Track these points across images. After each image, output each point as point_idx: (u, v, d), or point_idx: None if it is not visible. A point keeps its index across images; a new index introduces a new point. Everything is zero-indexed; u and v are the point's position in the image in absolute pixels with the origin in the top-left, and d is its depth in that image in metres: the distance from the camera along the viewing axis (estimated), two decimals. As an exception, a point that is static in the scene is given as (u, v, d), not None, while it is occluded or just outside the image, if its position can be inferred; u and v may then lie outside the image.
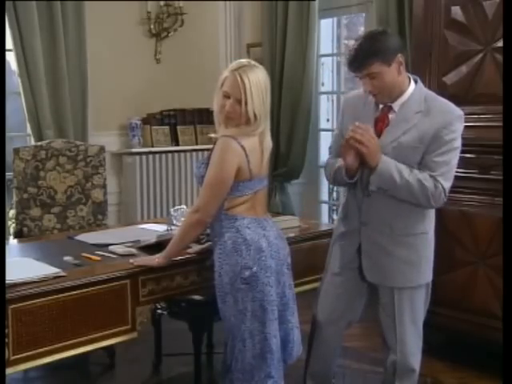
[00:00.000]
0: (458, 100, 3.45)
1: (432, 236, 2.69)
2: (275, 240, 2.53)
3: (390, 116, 2.54)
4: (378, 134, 2.53)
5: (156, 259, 2.56)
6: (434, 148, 2.46)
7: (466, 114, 3.42)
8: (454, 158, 2.52)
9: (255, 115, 2.41)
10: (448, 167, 2.49)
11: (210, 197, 2.44)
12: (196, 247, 2.72)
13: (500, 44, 3.24)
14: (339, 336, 2.85)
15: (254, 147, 2.45)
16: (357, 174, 2.54)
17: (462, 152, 3.41)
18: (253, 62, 2.50)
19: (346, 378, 3.40)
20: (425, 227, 2.62)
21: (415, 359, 2.71)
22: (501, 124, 2.86)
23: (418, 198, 2.48)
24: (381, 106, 2.57)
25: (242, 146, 2.41)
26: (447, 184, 2.49)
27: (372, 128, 2.51)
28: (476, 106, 3.40)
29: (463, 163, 3.41)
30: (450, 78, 3.51)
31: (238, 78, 2.40)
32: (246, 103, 2.40)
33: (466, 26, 3.42)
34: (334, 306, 2.75)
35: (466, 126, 3.41)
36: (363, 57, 2.41)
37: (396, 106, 2.52)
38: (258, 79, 2.43)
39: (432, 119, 2.47)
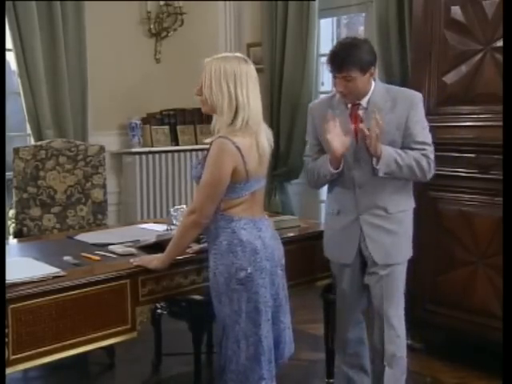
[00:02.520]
0: (457, 99, 3.48)
1: (411, 213, 2.91)
2: (270, 241, 2.52)
3: (360, 112, 2.77)
4: (355, 130, 2.75)
5: (155, 261, 2.55)
6: (411, 131, 2.74)
7: (465, 114, 3.46)
8: (427, 131, 2.81)
9: (214, 104, 2.42)
10: (429, 143, 2.80)
11: (206, 198, 2.43)
12: (195, 247, 2.72)
13: (500, 44, 3.23)
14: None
15: (250, 147, 2.42)
16: (340, 165, 2.75)
17: (462, 152, 3.44)
18: (234, 55, 2.49)
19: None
20: (409, 204, 2.89)
21: (403, 344, 2.87)
22: (500, 124, 2.86)
23: (416, 176, 2.77)
24: (349, 105, 2.79)
25: (238, 147, 2.38)
26: (433, 157, 2.79)
27: (350, 125, 2.76)
28: (475, 106, 3.40)
29: (463, 163, 3.43)
30: (449, 78, 3.51)
31: (205, 66, 2.47)
32: (203, 87, 2.45)
33: (465, 26, 3.42)
34: (352, 297, 2.93)
35: (465, 126, 3.44)
36: (346, 61, 2.65)
37: (364, 102, 2.77)
38: (221, 68, 2.41)
39: (400, 107, 2.74)
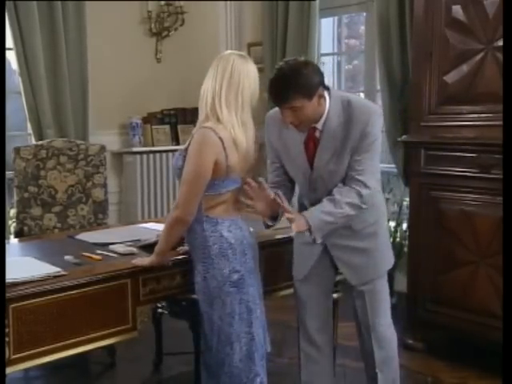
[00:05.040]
0: (458, 99, 3.48)
1: (385, 220, 2.76)
2: (251, 239, 2.54)
3: (317, 135, 2.54)
4: (311, 156, 2.56)
5: (147, 259, 2.55)
6: (358, 151, 2.49)
7: (466, 113, 3.46)
8: (375, 154, 2.54)
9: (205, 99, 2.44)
10: (370, 166, 2.51)
11: (189, 193, 2.40)
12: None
13: (501, 43, 3.23)
14: (331, 341, 2.87)
15: (231, 142, 2.40)
16: (277, 218, 2.57)
17: (463, 151, 3.43)
18: (231, 53, 2.50)
19: (345, 376, 3.40)
20: (377, 214, 2.68)
21: (392, 346, 2.76)
22: (501, 123, 2.85)
23: (354, 215, 2.52)
24: None
25: (220, 138, 2.37)
26: (372, 182, 2.52)
27: (303, 152, 2.56)
28: (476, 106, 3.40)
29: (464, 162, 3.43)
30: (450, 77, 3.51)
31: None
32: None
33: (466, 25, 3.42)
34: (317, 313, 2.77)
35: (466, 126, 3.44)
36: (286, 91, 2.40)
37: (319, 125, 2.53)
38: (220, 68, 2.43)
39: (354, 130, 2.48)
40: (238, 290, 2.44)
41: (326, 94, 2.51)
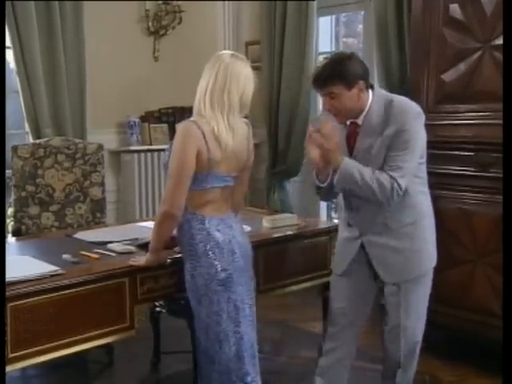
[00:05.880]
0: (456, 98, 3.48)
1: (428, 222, 2.74)
2: (241, 238, 2.53)
3: (358, 130, 2.60)
4: (351, 150, 2.60)
5: (143, 258, 2.55)
6: (393, 147, 2.52)
7: (464, 112, 3.46)
8: (410, 153, 2.53)
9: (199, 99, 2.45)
10: (404, 164, 2.52)
11: (174, 187, 2.41)
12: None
13: (498, 42, 3.23)
14: (355, 337, 2.84)
15: (214, 136, 2.40)
16: (327, 178, 2.59)
17: (461, 150, 3.44)
18: (226, 52, 2.52)
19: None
20: (417, 214, 2.67)
21: (418, 348, 2.77)
22: (499, 122, 2.85)
23: (376, 197, 2.53)
24: (348, 123, 2.61)
25: (202, 132, 2.38)
26: (403, 181, 2.52)
27: (346, 146, 2.60)
28: (474, 104, 3.40)
29: (462, 161, 3.43)
30: (448, 76, 3.51)
31: None
32: None
33: (464, 24, 3.42)
34: (346, 309, 2.76)
35: (464, 124, 3.44)
36: (326, 76, 2.49)
37: (360, 120, 2.59)
38: (210, 67, 2.47)
39: (391, 125, 2.51)
40: (226, 289, 2.44)
41: (370, 91, 2.57)
